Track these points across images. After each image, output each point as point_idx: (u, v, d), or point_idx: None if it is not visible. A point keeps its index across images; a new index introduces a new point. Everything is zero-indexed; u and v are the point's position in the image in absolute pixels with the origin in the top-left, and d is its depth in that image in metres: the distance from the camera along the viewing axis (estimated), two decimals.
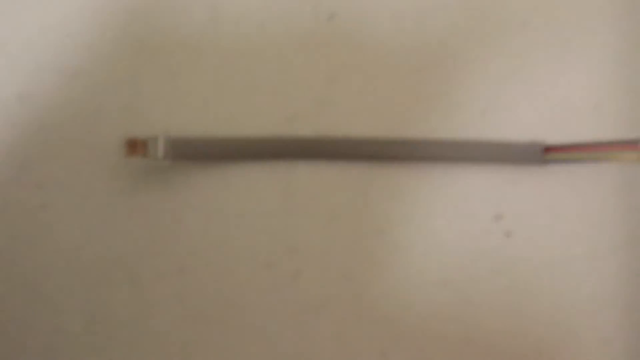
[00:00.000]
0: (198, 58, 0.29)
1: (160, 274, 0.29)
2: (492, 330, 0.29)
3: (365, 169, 0.29)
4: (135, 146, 0.28)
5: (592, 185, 0.28)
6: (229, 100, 0.29)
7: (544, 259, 0.28)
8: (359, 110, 0.29)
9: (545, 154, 0.28)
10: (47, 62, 0.29)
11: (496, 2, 0.29)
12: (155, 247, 0.29)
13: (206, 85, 0.29)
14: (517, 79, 0.29)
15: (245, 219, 0.29)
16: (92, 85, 0.29)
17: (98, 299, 0.29)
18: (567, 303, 0.28)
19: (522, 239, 0.29)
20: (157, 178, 0.29)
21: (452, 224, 0.29)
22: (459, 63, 0.29)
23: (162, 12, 0.29)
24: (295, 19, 0.29)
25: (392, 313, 0.29)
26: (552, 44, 0.28)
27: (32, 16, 0.29)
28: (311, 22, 0.29)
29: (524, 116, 0.28)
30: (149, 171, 0.29)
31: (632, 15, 0.28)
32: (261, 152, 0.28)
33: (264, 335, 0.29)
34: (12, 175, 0.29)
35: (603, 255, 0.28)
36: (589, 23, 0.28)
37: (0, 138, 0.29)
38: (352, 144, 0.29)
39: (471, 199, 0.29)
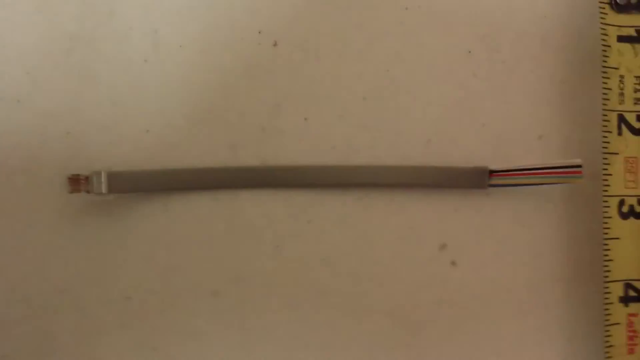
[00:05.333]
0: (139, 85, 0.28)
1: (106, 302, 0.29)
2: None
3: (310, 197, 0.29)
4: (78, 182, 0.28)
5: (536, 215, 0.28)
6: (171, 127, 0.28)
7: (488, 288, 0.29)
8: (303, 138, 0.28)
9: (490, 178, 0.27)
10: None
11: (441, 32, 0.28)
12: (100, 276, 0.29)
13: (148, 112, 0.28)
14: (461, 109, 0.28)
15: (190, 248, 0.29)
16: (33, 113, 0.28)
17: (44, 328, 0.29)
18: (511, 332, 0.29)
19: (467, 268, 0.29)
20: (101, 209, 0.29)
21: (398, 253, 0.29)
22: (403, 92, 0.28)
23: (103, 38, 0.28)
24: (239, 45, 0.29)
25: (338, 341, 0.29)
26: (496, 74, 0.28)
27: None
28: (255, 48, 0.29)
29: (469, 146, 0.28)
30: (92, 202, 0.29)
31: (576, 45, 0.28)
32: (204, 182, 0.28)
33: None
34: None
35: (546, 284, 0.28)
36: (532, 53, 0.28)
37: None
38: (296, 171, 0.28)
39: (416, 227, 0.29)
